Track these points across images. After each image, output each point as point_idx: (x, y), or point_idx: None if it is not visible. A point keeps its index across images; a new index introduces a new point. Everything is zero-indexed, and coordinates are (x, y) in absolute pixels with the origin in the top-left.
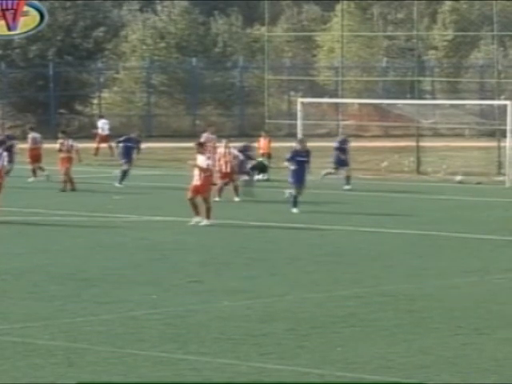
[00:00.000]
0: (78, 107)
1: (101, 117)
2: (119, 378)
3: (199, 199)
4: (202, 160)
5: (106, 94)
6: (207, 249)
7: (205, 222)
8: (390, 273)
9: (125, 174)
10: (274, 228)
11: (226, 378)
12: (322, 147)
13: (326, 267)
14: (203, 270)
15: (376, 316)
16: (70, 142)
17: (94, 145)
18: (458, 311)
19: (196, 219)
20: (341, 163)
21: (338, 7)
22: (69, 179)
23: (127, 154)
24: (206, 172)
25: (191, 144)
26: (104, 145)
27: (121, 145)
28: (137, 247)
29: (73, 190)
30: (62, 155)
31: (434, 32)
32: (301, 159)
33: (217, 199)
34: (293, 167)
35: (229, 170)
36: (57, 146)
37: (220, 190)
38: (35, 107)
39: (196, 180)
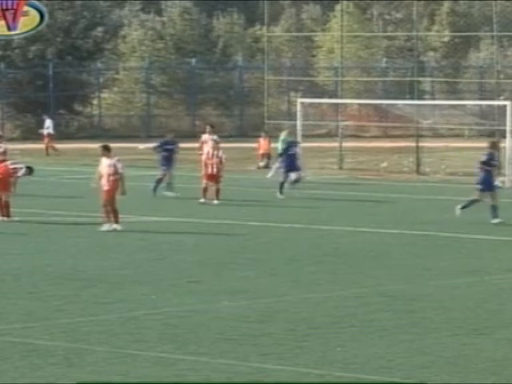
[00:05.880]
0: (78, 108)
1: (46, 116)
2: (118, 378)
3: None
4: (106, 164)
5: (105, 95)
6: (206, 249)
7: (115, 226)
8: (390, 273)
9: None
10: (274, 228)
11: (225, 378)
12: (322, 147)
13: (326, 267)
14: (202, 270)
15: (375, 316)
16: (3, 144)
17: (91, 145)
18: (458, 311)
19: (114, 226)
20: None
21: (338, 7)
22: None
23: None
24: (114, 176)
25: (191, 145)
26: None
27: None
28: (136, 247)
29: None
30: None
31: (434, 32)
32: (495, 163)
33: (202, 201)
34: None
35: (215, 172)
36: None
37: (204, 191)
38: (35, 107)
39: (104, 185)
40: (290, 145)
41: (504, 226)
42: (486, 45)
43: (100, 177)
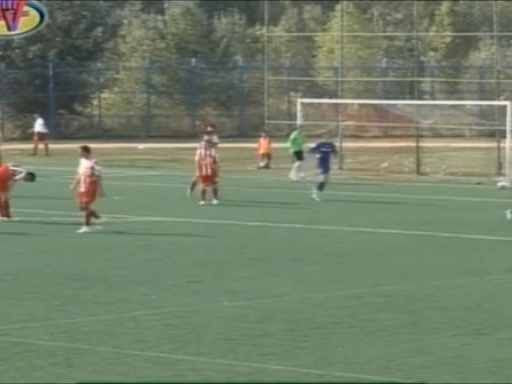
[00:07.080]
0: (78, 108)
1: (38, 116)
2: (119, 379)
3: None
4: (85, 164)
5: (105, 95)
6: (207, 249)
7: (84, 228)
8: (390, 273)
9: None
10: (274, 228)
11: (225, 378)
12: None
13: (326, 267)
14: (203, 270)
15: (376, 316)
16: None
17: (92, 146)
18: (458, 311)
19: (101, 220)
20: None
21: (338, 7)
22: None
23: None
24: (91, 178)
25: (191, 145)
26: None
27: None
28: (136, 247)
29: None
30: None
31: (434, 32)
32: None
33: (202, 203)
34: None
35: (209, 172)
36: None
37: (203, 193)
38: (35, 108)
39: (81, 186)
40: (320, 146)
41: (504, 225)
42: (486, 45)
43: (79, 178)
